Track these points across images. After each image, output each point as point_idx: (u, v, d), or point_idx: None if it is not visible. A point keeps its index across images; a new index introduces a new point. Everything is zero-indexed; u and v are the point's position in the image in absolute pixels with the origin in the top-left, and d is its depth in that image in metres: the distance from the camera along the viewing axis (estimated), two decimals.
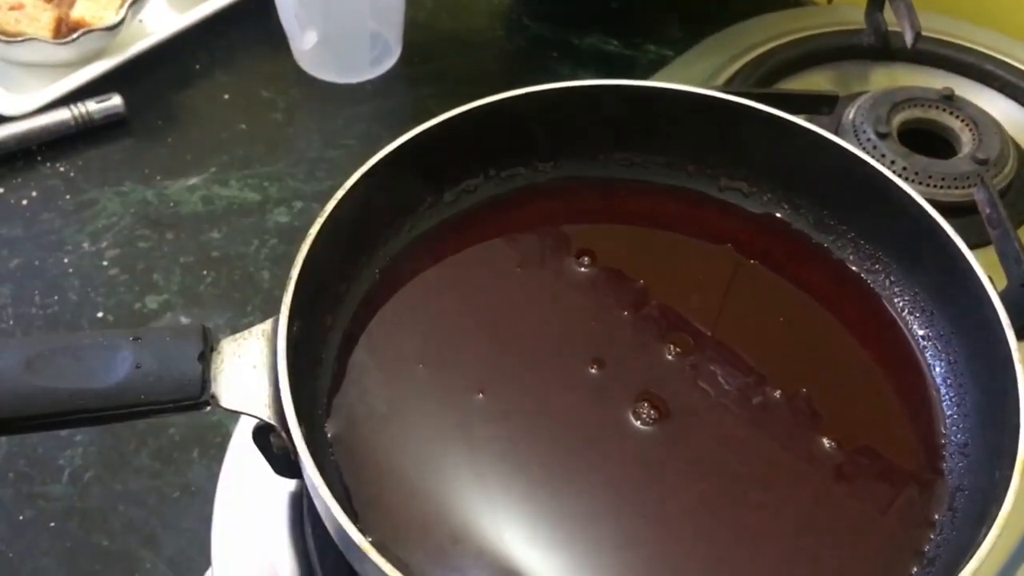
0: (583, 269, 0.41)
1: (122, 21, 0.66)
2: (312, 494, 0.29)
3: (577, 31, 0.75)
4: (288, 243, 0.61)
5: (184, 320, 0.56)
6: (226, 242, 0.60)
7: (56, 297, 0.57)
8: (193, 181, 0.64)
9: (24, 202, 0.62)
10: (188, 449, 0.50)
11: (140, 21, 0.70)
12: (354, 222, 0.37)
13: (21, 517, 0.48)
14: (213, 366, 0.31)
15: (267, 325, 0.33)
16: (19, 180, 0.63)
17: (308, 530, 0.37)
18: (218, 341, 0.32)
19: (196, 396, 0.30)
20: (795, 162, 0.43)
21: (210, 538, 0.42)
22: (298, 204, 0.63)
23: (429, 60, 0.73)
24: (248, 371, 0.32)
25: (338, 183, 0.63)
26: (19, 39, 0.64)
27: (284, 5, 0.63)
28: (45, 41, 0.65)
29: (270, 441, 0.33)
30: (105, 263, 0.59)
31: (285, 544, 0.37)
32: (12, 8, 0.65)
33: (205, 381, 0.31)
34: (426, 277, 0.40)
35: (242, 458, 0.41)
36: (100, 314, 0.56)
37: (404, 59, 0.72)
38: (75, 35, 0.65)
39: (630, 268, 0.41)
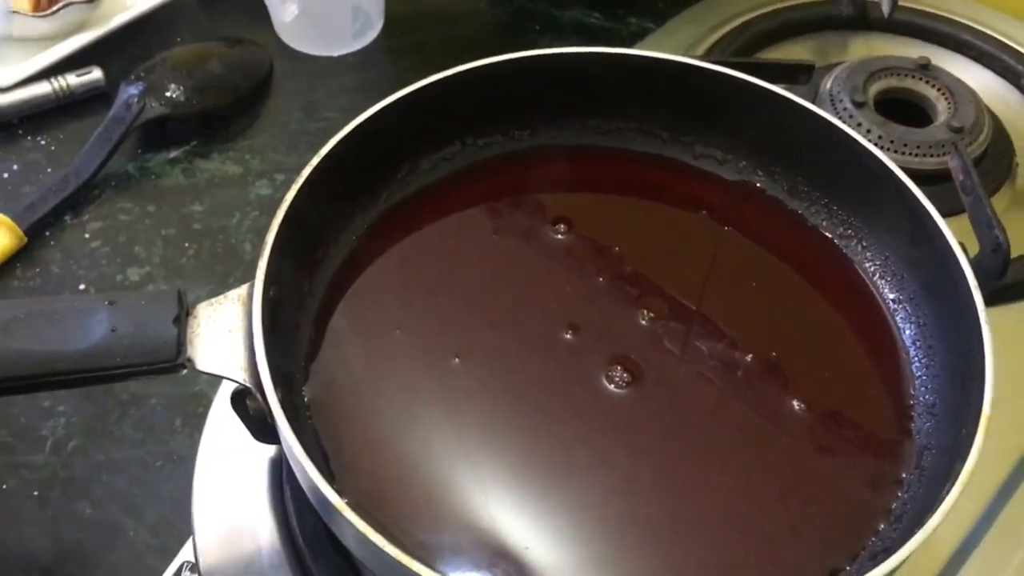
0: (559, 236, 0.41)
1: None
2: (288, 456, 0.30)
3: (559, 3, 0.75)
4: (269, 215, 0.60)
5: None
6: (208, 215, 0.61)
7: (38, 270, 0.57)
8: (174, 154, 0.64)
9: (5, 175, 0.62)
10: (170, 418, 0.50)
11: None
12: (330, 189, 0.38)
13: (4, 486, 0.48)
14: (189, 330, 0.31)
15: (243, 290, 0.33)
16: (0, 153, 0.63)
17: (287, 494, 0.38)
18: (194, 306, 0.32)
19: (172, 359, 0.31)
20: (771, 130, 0.43)
21: (191, 505, 0.42)
22: (280, 176, 0.63)
23: (410, 32, 0.73)
24: (224, 335, 0.32)
25: None
26: None
27: None
28: (25, 14, 0.64)
29: (247, 406, 0.33)
30: (87, 236, 0.59)
31: (265, 509, 0.38)
32: None
33: (180, 344, 0.31)
34: (403, 244, 0.41)
35: (222, 426, 0.41)
36: (82, 286, 0.56)
37: (386, 32, 0.72)
38: (55, 7, 0.64)
39: (605, 235, 0.41)
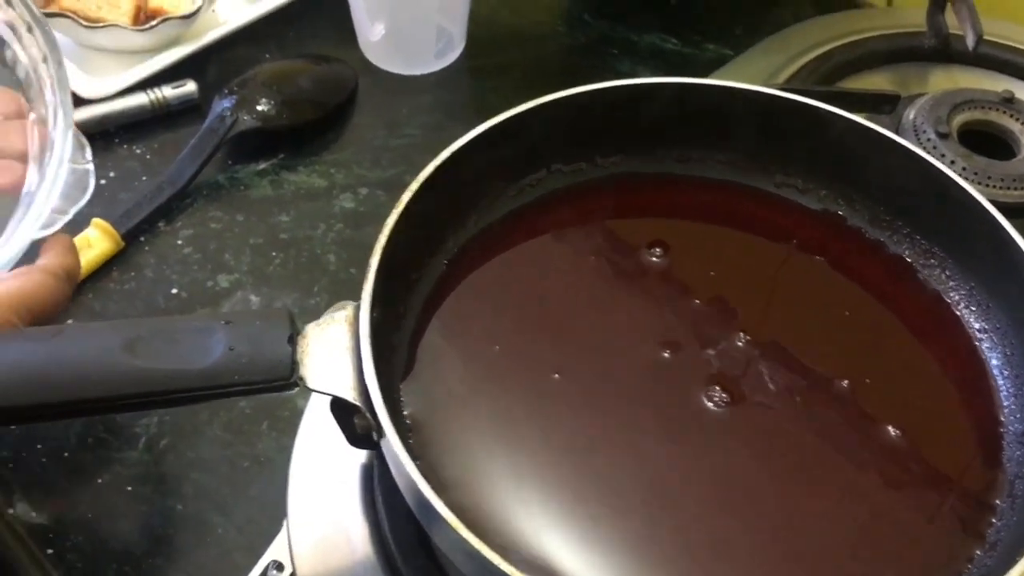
0: (652, 259, 0.42)
1: (198, 10, 0.68)
2: (396, 471, 0.31)
3: (637, 28, 0.76)
4: (353, 228, 0.63)
5: (254, 299, 0.59)
6: (294, 225, 0.63)
7: (133, 274, 0.60)
8: (263, 166, 0.66)
9: (103, 182, 0.65)
10: (258, 422, 0.53)
11: (213, 11, 0.72)
12: (425, 213, 0.39)
13: (99, 480, 0.51)
14: (299, 349, 0.33)
15: (348, 311, 0.35)
16: (98, 160, 0.66)
17: (379, 500, 0.39)
18: (303, 325, 0.34)
19: (286, 377, 0.33)
20: (853, 160, 0.44)
21: (282, 505, 0.44)
22: (363, 191, 0.65)
23: (491, 54, 0.74)
24: (332, 354, 0.34)
25: (401, 171, 0.66)
26: (100, 25, 0.67)
27: None
28: (124, 27, 0.67)
29: (347, 416, 0.35)
30: (179, 242, 0.62)
31: (357, 515, 0.40)
32: None
33: (294, 363, 0.33)
34: (495, 266, 0.42)
35: (314, 429, 0.43)
36: (174, 291, 0.59)
37: (467, 52, 0.74)
38: (153, 22, 0.67)
39: (697, 259, 0.42)
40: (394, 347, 0.38)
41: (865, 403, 0.38)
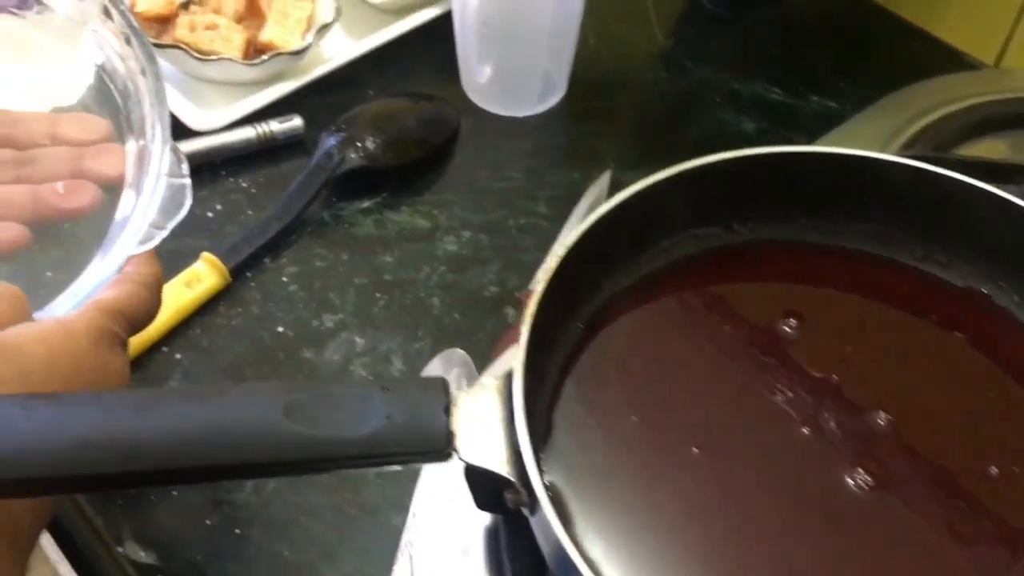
0: (788, 330, 0.42)
1: (308, 47, 0.69)
2: (547, 545, 0.31)
3: (739, 76, 0.75)
4: (456, 271, 0.63)
5: (359, 340, 0.59)
6: (397, 266, 0.63)
7: (240, 310, 0.60)
8: (366, 204, 0.66)
9: (210, 214, 0.65)
10: (365, 469, 0.52)
11: (319, 47, 0.73)
12: (567, 279, 0.39)
13: (208, 522, 0.51)
14: (454, 420, 0.33)
15: (498, 380, 0.35)
16: (205, 193, 0.66)
17: (507, 565, 0.39)
18: (456, 394, 0.34)
19: (443, 448, 0.32)
20: (997, 236, 0.43)
21: (390, 557, 0.44)
22: (466, 234, 0.65)
23: (592, 98, 0.74)
24: (485, 426, 0.33)
25: (504, 215, 0.66)
26: (212, 58, 0.68)
27: (465, 39, 0.65)
28: (235, 61, 0.68)
29: (485, 483, 0.34)
30: (284, 279, 0.62)
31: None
32: (207, 28, 0.68)
33: (450, 434, 0.32)
34: (629, 331, 0.42)
35: (432, 484, 0.43)
36: (280, 328, 0.59)
37: (568, 95, 0.74)
38: (264, 57, 0.68)
39: (835, 333, 0.42)
40: (533, 413, 0.37)
41: (1009, 494, 0.37)
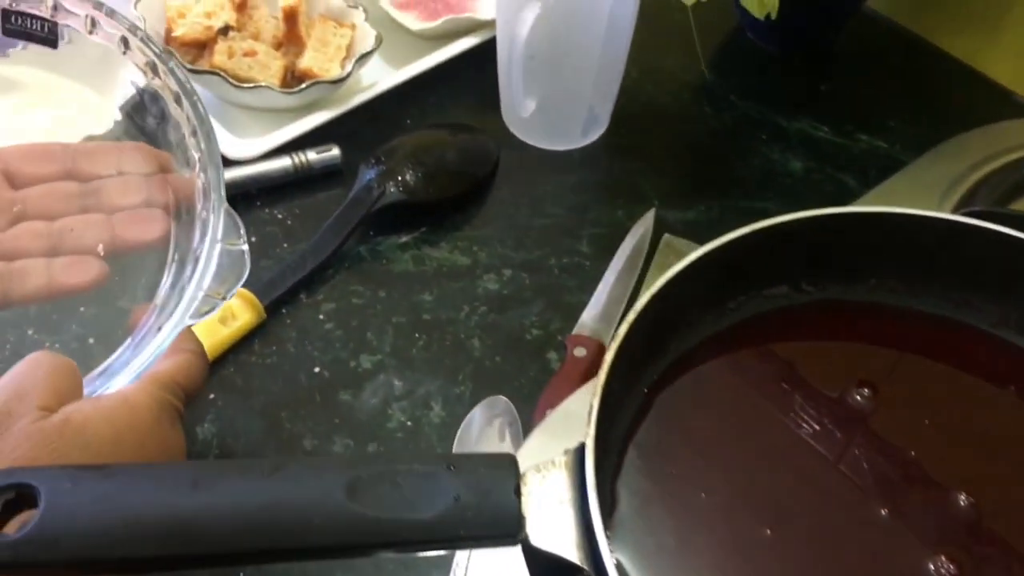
0: (862, 400, 0.40)
1: (348, 75, 0.67)
2: None
3: (786, 113, 0.73)
4: (498, 312, 0.61)
5: (397, 383, 0.57)
6: (437, 305, 0.61)
7: (275, 348, 0.58)
8: (404, 239, 0.64)
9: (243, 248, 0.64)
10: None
11: (357, 74, 0.71)
12: (632, 344, 0.37)
13: None
14: (523, 501, 0.31)
15: (568, 455, 0.33)
16: None
17: None
18: (524, 471, 0.32)
19: (513, 533, 0.30)
20: None
21: None
22: (507, 272, 0.63)
23: (634, 132, 0.72)
24: (555, 507, 0.31)
25: (546, 253, 0.64)
26: (250, 85, 0.66)
27: (510, 73, 0.63)
28: (273, 88, 0.66)
29: (542, 561, 0.32)
30: (321, 316, 0.60)
31: None
32: (246, 54, 0.67)
33: (521, 517, 0.31)
34: (695, 397, 0.40)
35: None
36: (317, 369, 0.58)
37: (611, 129, 0.72)
38: (303, 85, 0.66)
39: (911, 403, 0.40)
40: (600, 488, 0.35)
41: None
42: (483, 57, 0.71)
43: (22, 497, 0.29)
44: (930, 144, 0.69)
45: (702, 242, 0.63)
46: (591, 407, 0.33)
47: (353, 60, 0.68)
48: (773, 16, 0.62)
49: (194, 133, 0.45)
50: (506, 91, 0.68)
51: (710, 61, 0.77)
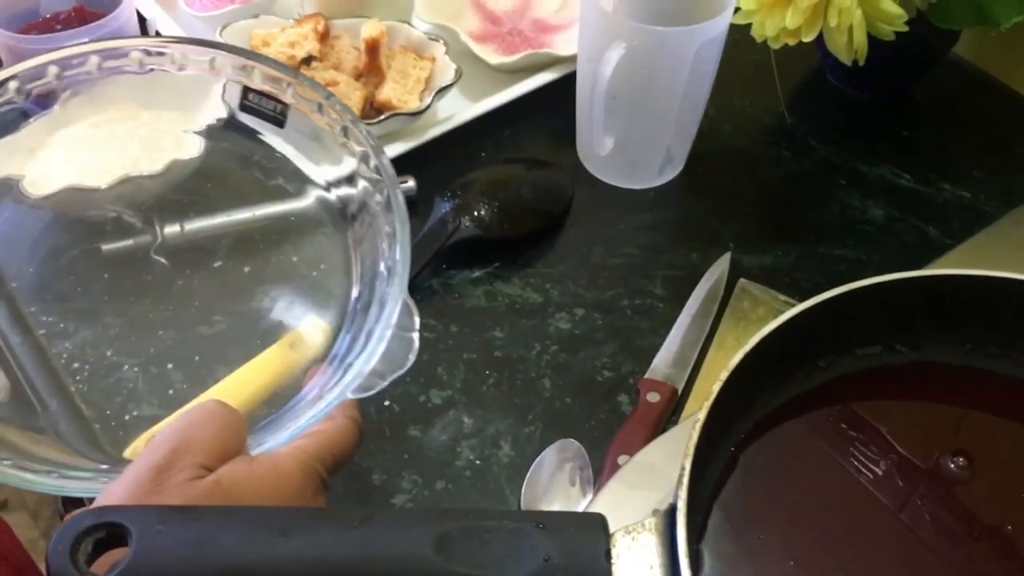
0: (956, 469, 0.38)
1: (427, 107, 0.67)
2: None
3: (866, 159, 0.72)
4: (569, 352, 0.60)
5: (467, 420, 0.57)
6: (508, 342, 0.61)
7: None
8: (477, 274, 0.64)
9: (315, 273, 0.64)
10: None
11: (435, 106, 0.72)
12: (721, 404, 0.36)
13: None
14: (614, 566, 0.30)
15: (657, 518, 0.32)
16: (312, 251, 0.65)
17: None
18: (614, 532, 0.31)
19: None
20: None
21: None
22: (579, 312, 0.62)
23: (712, 172, 0.71)
24: (645, 572, 0.31)
25: (619, 293, 0.63)
26: None
27: (591, 111, 0.63)
28: None
29: None
30: None
31: None
32: (327, 85, 0.67)
33: None
34: (782, 459, 0.39)
35: None
36: (387, 402, 0.57)
37: (687, 169, 0.71)
38: (382, 116, 0.67)
39: (1007, 474, 0.38)
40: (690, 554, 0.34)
41: None
42: (559, 93, 0.71)
43: (112, 536, 0.29)
44: (1016, 195, 0.67)
45: (778, 288, 0.62)
46: (683, 468, 0.33)
47: (432, 93, 0.68)
48: (861, 63, 0.61)
49: (388, 217, 0.48)
50: (584, 129, 0.67)
51: (790, 103, 0.76)
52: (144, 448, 0.36)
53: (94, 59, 0.54)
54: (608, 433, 0.55)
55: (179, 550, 0.29)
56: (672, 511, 0.32)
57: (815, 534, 0.37)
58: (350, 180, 0.54)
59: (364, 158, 0.51)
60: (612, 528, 0.32)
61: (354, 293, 0.52)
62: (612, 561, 0.31)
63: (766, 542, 0.36)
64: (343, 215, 0.56)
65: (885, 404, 0.41)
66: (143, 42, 0.55)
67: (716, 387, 0.35)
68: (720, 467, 0.38)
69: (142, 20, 0.75)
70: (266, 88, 0.55)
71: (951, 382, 0.41)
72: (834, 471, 0.39)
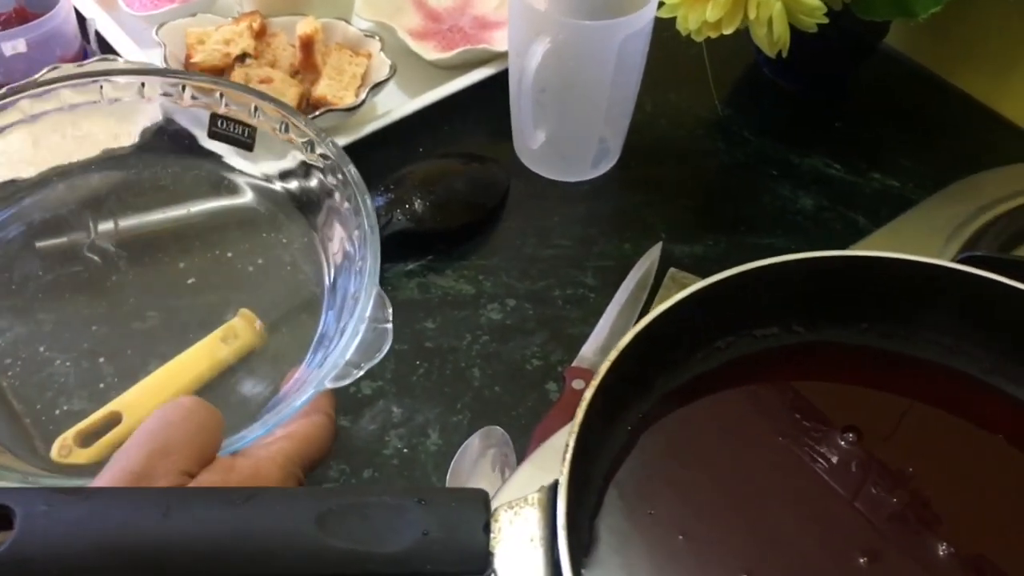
0: (846, 446, 0.39)
1: (362, 103, 0.68)
2: None
3: (799, 150, 0.73)
4: (500, 342, 0.61)
5: (396, 410, 0.57)
6: (439, 334, 0.61)
7: None
8: (411, 267, 0.65)
9: (250, 268, 0.64)
10: None
11: (371, 102, 0.72)
12: (615, 382, 0.37)
13: None
14: (493, 538, 0.31)
15: (541, 493, 0.33)
16: (247, 246, 0.66)
17: None
18: (495, 507, 0.32)
19: (481, 570, 0.31)
20: None
21: None
22: (511, 302, 0.63)
23: (646, 165, 0.73)
24: (525, 545, 0.31)
25: (551, 284, 0.64)
26: None
27: (520, 105, 0.64)
28: None
29: None
30: None
31: None
32: (262, 81, 0.68)
33: (490, 553, 0.31)
34: (678, 438, 0.40)
35: None
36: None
37: (621, 162, 0.72)
38: (317, 112, 0.67)
39: (896, 450, 0.39)
40: (576, 527, 0.35)
41: None
42: (498, 89, 0.72)
43: (2, 519, 0.30)
44: (944, 184, 0.69)
45: (708, 277, 0.63)
46: (566, 445, 0.34)
47: (367, 88, 0.69)
48: (784, 54, 0.62)
49: (358, 224, 0.50)
50: (517, 122, 0.68)
51: (726, 97, 0.78)
52: (115, 453, 0.33)
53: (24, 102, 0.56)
54: (535, 420, 0.56)
55: (63, 529, 0.29)
56: (555, 486, 0.33)
57: (706, 509, 0.38)
58: (304, 173, 0.56)
59: (309, 146, 0.53)
60: (496, 504, 0.32)
61: (326, 281, 0.54)
62: (492, 534, 0.31)
63: (657, 517, 0.37)
64: (299, 208, 0.58)
65: (780, 384, 0.42)
66: (70, 79, 0.56)
67: (604, 367, 0.36)
68: (617, 447, 0.39)
69: (81, 20, 0.76)
70: (201, 103, 0.57)
71: (846, 361, 0.43)
72: (728, 449, 0.40)
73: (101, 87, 0.58)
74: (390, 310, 0.45)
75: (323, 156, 0.53)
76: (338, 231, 0.53)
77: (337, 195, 0.53)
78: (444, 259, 0.65)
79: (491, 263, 0.66)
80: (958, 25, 0.75)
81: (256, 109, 0.56)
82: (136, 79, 0.58)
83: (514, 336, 0.61)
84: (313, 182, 0.56)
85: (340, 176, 0.52)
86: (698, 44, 0.68)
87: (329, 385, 0.42)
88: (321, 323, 0.53)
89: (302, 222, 0.59)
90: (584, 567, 0.35)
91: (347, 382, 0.43)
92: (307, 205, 0.57)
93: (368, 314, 0.44)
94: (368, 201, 0.49)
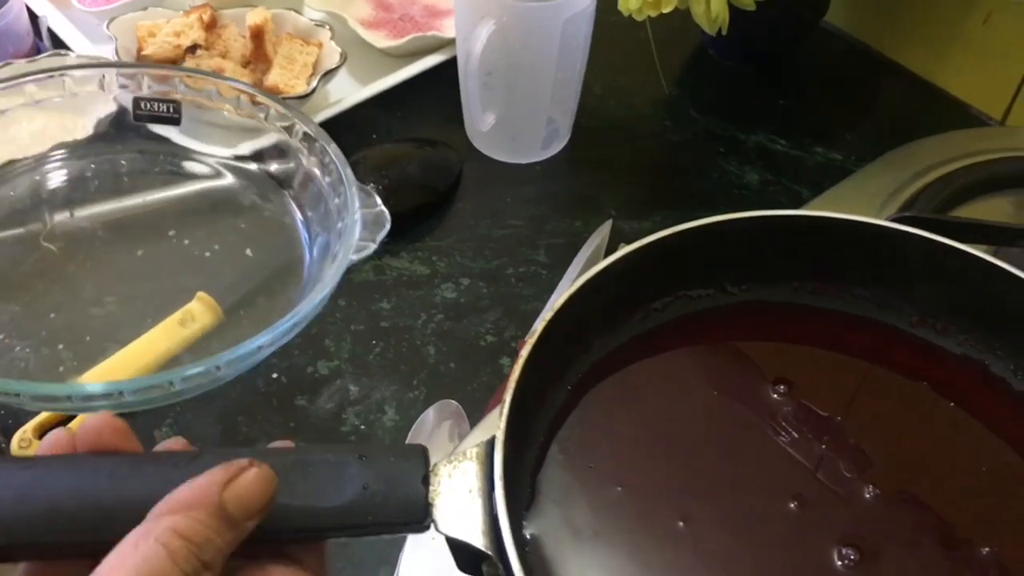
0: (778, 397, 0.41)
1: (313, 91, 0.69)
2: None
3: (745, 127, 0.75)
4: (454, 320, 0.62)
5: (353, 388, 0.59)
6: (395, 313, 0.63)
7: None
8: None
9: (207, 254, 0.65)
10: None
11: (324, 90, 0.73)
12: (554, 341, 0.39)
13: None
14: (432, 490, 0.32)
15: (479, 447, 0.34)
16: (203, 233, 0.66)
17: None
18: (435, 462, 0.33)
19: (420, 520, 0.32)
20: (990, 303, 0.42)
21: None
22: (465, 281, 0.65)
23: (596, 146, 0.74)
24: (464, 496, 0.33)
25: (504, 263, 0.65)
26: None
27: (468, 88, 0.65)
28: None
29: (458, 547, 0.33)
30: None
31: None
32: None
33: (427, 505, 0.32)
34: (617, 395, 0.41)
35: (421, 542, 0.42)
36: (275, 375, 0.59)
37: (572, 143, 0.74)
38: None
39: (826, 400, 0.41)
40: (517, 480, 0.37)
41: (999, 571, 0.36)
42: (448, 75, 0.73)
43: None
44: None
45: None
46: (503, 402, 0.35)
47: (318, 76, 0.69)
48: (724, 32, 0.64)
49: (315, 147, 0.58)
50: (466, 106, 0.69)
51: (673, 78, 0.79)
52: None
53: None
54: (490, 394, 0.58)
55: (5, 494, 0.30)
56: (492, 440, 0.34)
57: (644, 462, 0.39)
58: (276, 151, 0.62)
59: (268, 117, 0.59)
60: (436, 459, 0.34)
61: (307, 259, 0.58)
62: (431, 487, 0.33)
63: (597, 471, 0.38)
64: (270, 183, 0.63)
65: (715, 342, 0.43)
66: (31, 75, 0.58)
67: (539, 326, 0.37)
68: (558, 406, 0.40)
69: (33, 16, 0.76)
70: (157, 91, 0.60)
71: (779, 318, 0.44)
72: (665, 405, 0.41)
73: (64, 82, 0.59)
74: (376, 196, 0.52)
75: (282, 116, 0.59)
76: (320, 192, 0.58)
77: (303, 146, 0.59)
78: (399, 241, 0.67)
79: (445, 244, 0.67)
80: (895, 1, 0.78)
81: (217, 91, 0.60)
82: (96, 72, 0.59)
83: (468, 314, 0.63)
84: (269, 141, 0.62)
85: (299, 129, 0.58)
86: (645, 28, 0.69)
87: (354, 257, 0.50)
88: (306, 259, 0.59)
89: (267, 189, 0.63)
90: (525, 519, 0.37)
91: (366, 254, 0.51)
92: (276, 176, 0.63)
93: (356, 207, 0.51)
94: (323, 132, 0.55)
